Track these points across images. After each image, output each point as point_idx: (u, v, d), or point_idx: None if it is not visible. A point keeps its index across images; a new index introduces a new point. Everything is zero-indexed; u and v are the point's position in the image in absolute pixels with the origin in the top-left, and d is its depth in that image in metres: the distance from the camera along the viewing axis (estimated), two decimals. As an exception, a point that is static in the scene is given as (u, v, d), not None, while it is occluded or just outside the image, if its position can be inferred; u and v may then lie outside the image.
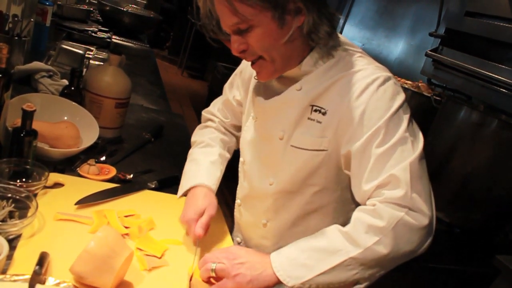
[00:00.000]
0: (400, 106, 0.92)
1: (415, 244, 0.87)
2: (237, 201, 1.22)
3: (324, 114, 0.98)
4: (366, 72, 0.94)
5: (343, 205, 1.05)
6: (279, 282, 0.88)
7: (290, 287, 0.87)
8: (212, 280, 0.92)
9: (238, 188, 1.22)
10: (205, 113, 1.35)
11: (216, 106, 1.33)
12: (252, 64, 0.99)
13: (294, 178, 1.04)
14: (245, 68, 1.21)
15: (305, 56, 0.99)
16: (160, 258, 0.99)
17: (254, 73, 1.04)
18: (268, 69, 0.98)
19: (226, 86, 1.29)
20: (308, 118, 1.00)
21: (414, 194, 0.86)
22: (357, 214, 0.90)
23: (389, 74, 0.95)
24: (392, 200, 0.86)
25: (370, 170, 0.90)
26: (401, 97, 0.94)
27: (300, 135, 1.01)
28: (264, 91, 1.09)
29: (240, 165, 1.20)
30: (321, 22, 0.93)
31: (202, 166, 1.18)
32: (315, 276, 0.86)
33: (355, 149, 0.92)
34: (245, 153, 1.17)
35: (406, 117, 0.92)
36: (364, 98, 0.92)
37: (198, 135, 1.30)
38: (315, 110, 0.99)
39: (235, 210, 1.25)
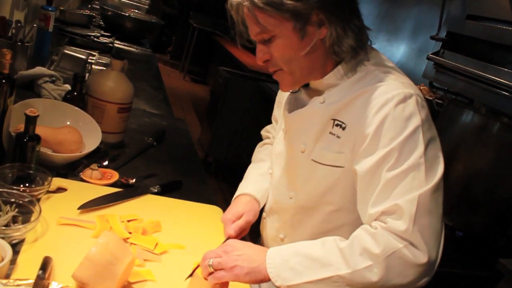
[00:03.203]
0: (418, 128, 0.87)
1: (408, 279, 0.83)
2: (263, 213, 1.21)
3: (343, 129, 0.96)
4: (388, 88, 0.91)
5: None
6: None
7: (277, 286, 0.87)
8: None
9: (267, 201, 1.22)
10: (262, 132, 1.39)
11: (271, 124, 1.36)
12: (273, 74, 1.00)
13: (311, 193, 1.02)
14: None
15: (332, 68, 0.97)
16: (158, 254, 1.01)
17: None
18: (287, 80, 0.99)
19: (275, 104, 1.29)
20: (330, 133, 0.98)
21: (417, 229, 0.82)
22: (358, 232, 0.88)
23: (412, 92, 0.90)
24: (394, 231, 0.83)
25: (378, 193, 0.87)
26: (420, 117, 0.88)
27: (320, 150, 0.99)
28: (294, 103, 1.08)
29: (270, 177, 1.20)
30: (345, 35, 0.92)
31: (250, 179, 1.22)
32: (301, 283, 0.86)
33: (365, 169, 0.89)
34: (273, 166, 1.17)
35: (424, 141, 0.87)
36: (381, 115, 0.88)
37: (256, 153, 1.33)
38: (337, 125, 0.97)
39: (261, 222, 1.24)
